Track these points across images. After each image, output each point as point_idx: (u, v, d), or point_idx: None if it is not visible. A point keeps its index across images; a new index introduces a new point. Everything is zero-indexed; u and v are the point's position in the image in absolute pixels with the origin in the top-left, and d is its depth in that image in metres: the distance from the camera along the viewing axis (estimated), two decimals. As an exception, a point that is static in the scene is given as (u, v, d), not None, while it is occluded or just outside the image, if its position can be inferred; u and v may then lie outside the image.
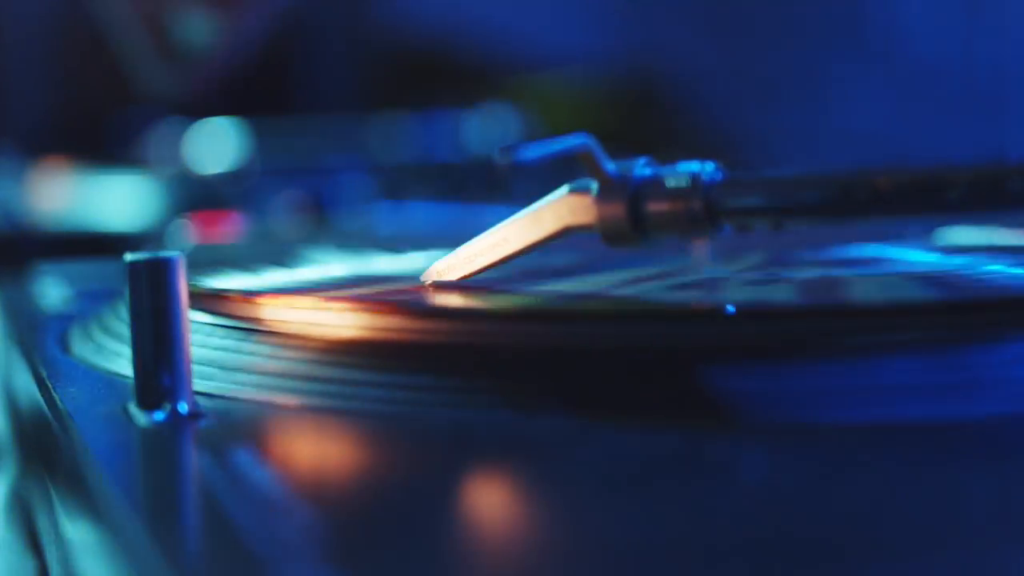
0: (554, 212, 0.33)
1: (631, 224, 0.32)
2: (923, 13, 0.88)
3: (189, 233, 0.67)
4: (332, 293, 0.33)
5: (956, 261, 0.38)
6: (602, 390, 0.28)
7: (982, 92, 0.90)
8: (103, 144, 0.95)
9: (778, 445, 0.25)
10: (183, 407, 0.28)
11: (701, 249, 0.40)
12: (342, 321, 0.30)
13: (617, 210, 0.33)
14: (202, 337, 0.32)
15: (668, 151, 0.39)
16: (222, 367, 0.31)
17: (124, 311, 0.35)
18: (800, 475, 0.24)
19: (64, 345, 0.37)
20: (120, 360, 0.33)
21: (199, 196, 0.75)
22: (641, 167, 0.33)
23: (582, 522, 0.22)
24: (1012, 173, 0.29)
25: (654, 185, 0.32)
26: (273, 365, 0.30)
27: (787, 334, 0.28)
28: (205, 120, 0.95)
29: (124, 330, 0.34)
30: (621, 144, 0.40)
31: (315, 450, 0.27)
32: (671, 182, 0.32)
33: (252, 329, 0.32)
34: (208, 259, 0.41)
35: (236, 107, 1.12)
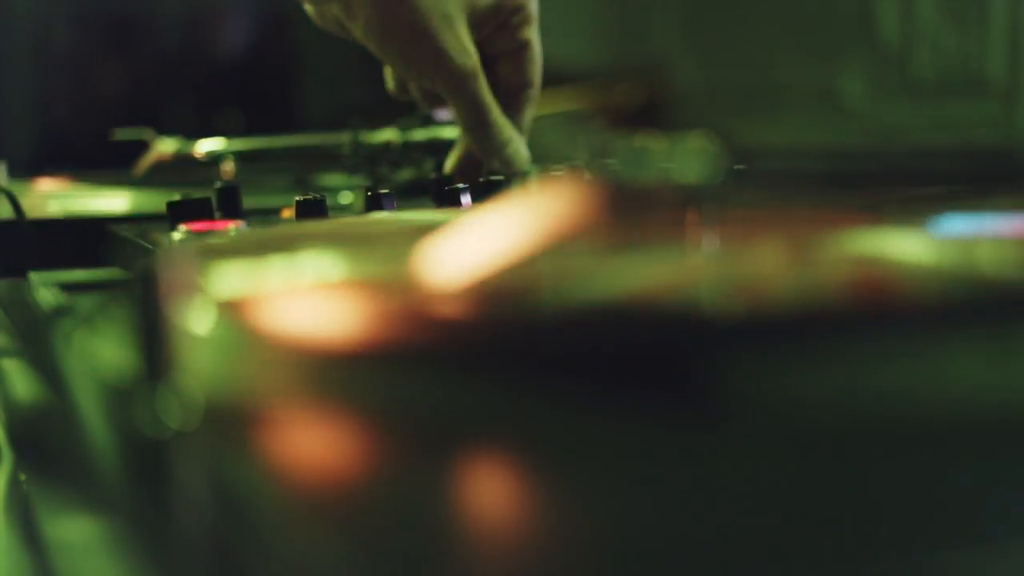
0: (552, 203, 0.33)
1: (629, 212, 0.33)
2: (934, 20, 0.88)
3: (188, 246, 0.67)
4: (333, 294, 0.33)
5: (951, 250, 0.38)
6: (596, 384, 0.28)
7: (992, 97, 0.90)
8: (102, 160, 0.95)
9: (775, 440, 0.25)
10: (184, 406, 0.28)
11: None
12: (344, 322, 0.31)
13: (615, 199, 0.33)
14: (204, 338, 0.32)
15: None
16: (224, 366, 0.31)
17: (125, 314, 0.35)
18: (798, 470, 0.24)
19: (64, 347, 0.37)
20: (120, 361, 0.33)
21: (197, 209, 0.75)
22: (637, 155, 0.33)
23: (579, 516, 0.22)
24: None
25: (649, 173, 0.33)
26: (274, 365, 0.30)
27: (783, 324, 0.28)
28: (206, 136, 0.95)
29: (124, 332, 0.34)
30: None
31: (316, 452, 0.27)
32: (665, 170, 0.32)
33: (254, 328, 0.32)
34: (211, 261, 0.41)
35: (234, 122, 1.13)
